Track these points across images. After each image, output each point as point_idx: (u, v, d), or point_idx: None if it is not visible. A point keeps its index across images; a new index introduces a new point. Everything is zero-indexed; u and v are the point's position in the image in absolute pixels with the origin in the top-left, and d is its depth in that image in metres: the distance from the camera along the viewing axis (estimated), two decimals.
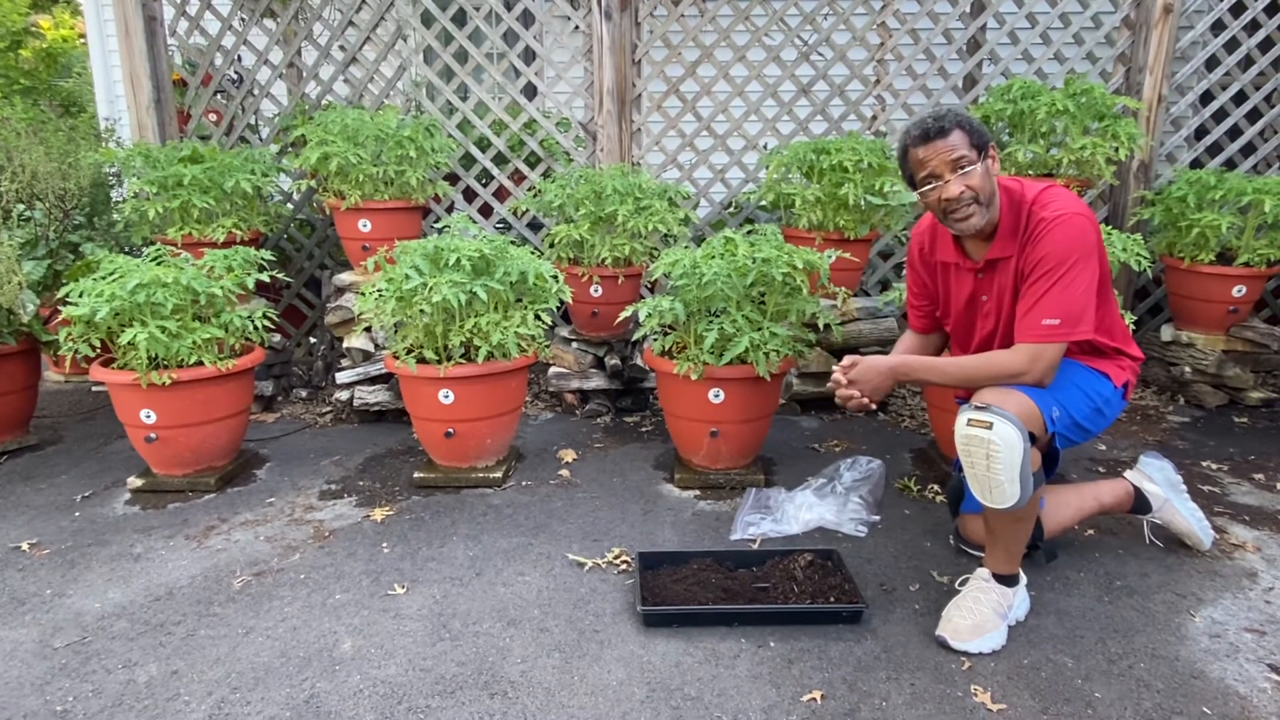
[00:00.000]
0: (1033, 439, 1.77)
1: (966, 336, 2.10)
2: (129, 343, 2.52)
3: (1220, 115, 3.91)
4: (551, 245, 3.44)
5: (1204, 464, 2.90)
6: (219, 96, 4.03)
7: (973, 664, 1.79)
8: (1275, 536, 2.36)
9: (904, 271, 2.55)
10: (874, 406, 2.02)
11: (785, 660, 1.81)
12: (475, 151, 3.88)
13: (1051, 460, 1.91)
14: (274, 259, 3.05)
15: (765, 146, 3.99)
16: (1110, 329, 1.97)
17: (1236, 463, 2.91)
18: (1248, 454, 2.99)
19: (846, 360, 1.99)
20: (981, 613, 1.86)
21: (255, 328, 2.84)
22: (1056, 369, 1.84)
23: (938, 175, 1.84)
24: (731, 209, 4.11)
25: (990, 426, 1.74)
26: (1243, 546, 2.30)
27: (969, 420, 1.78)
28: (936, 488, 2.70)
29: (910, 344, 2.28)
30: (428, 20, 4.05)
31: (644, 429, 3.34)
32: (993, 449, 1.74)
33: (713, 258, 2.60)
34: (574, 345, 3.51)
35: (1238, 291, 3.42)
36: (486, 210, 4.02)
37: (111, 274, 2.63)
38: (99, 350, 2.65)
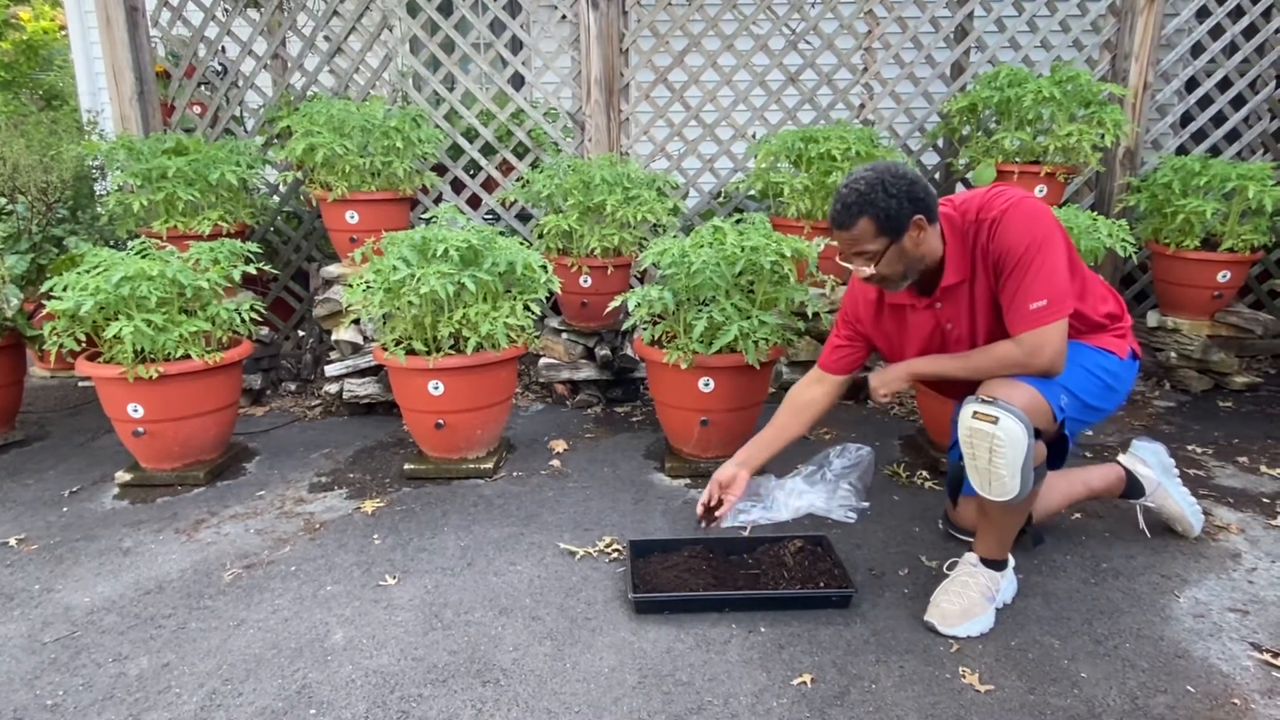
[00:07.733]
0: (1038, 434, 1.75)
1: None
2: (115, 336, 2.50)
3: (1205, 102, 3.92)
4: (540, 236, 3.43)
5: (1189, 448, 2.92)
6: (203, 88, 3.99)
7: (961, 646, 1.81)
8: (1258, 518, 2.38)
9: None
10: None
11: (776, 645, 1.83)
12: (463, 142, 3.86)
13: (1061, 448, 1.88)
14: (261, 251, 3.03)
15: (754, 135, 3.98)
16: (1094, 302, 1.92)
17: (1221, 446, 2.94)
18: (1232, 438, 3.02)
19: (878, 383, 2.03)
20: (969, 597, 1.87)
21: (242, 320, 2.82)
22: (1065, 351, 1.78)
23: (848, 259, 1.87)
24: (720, 198, 4.11)
25: (996, 421, 1.71)
26: (1227, 528, 2.33)
27: (974, 413, 1.74)
28: (925, 474, 2.72)
29: (808, 393, 2.17)
30: (413, 10, 4.02)
31: (634, 419, 3.34)
32: (996, 443, 1.71)
33: (701, 247, 2.60)
34: (564, 336, 3.51)
35: (1222, 277, 3.45)
36: (475, 201, 4.00)
37: (96, 267, 2.60)
38: (84, 344, 2.64)
